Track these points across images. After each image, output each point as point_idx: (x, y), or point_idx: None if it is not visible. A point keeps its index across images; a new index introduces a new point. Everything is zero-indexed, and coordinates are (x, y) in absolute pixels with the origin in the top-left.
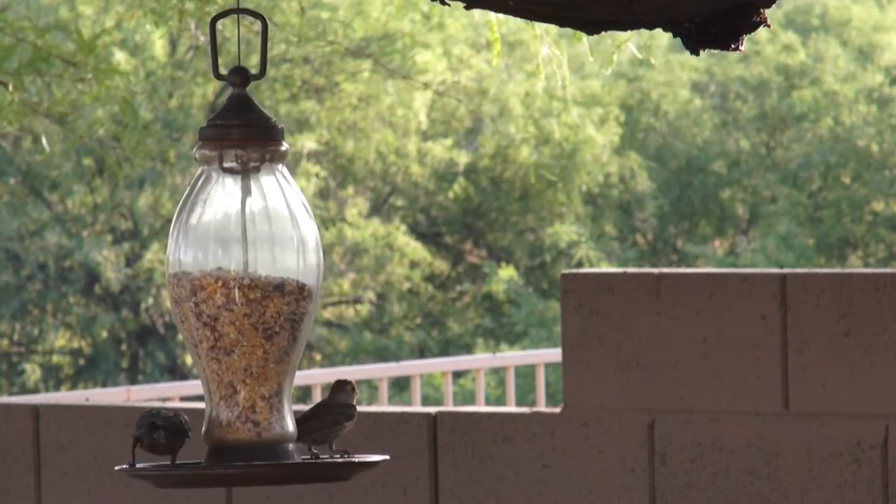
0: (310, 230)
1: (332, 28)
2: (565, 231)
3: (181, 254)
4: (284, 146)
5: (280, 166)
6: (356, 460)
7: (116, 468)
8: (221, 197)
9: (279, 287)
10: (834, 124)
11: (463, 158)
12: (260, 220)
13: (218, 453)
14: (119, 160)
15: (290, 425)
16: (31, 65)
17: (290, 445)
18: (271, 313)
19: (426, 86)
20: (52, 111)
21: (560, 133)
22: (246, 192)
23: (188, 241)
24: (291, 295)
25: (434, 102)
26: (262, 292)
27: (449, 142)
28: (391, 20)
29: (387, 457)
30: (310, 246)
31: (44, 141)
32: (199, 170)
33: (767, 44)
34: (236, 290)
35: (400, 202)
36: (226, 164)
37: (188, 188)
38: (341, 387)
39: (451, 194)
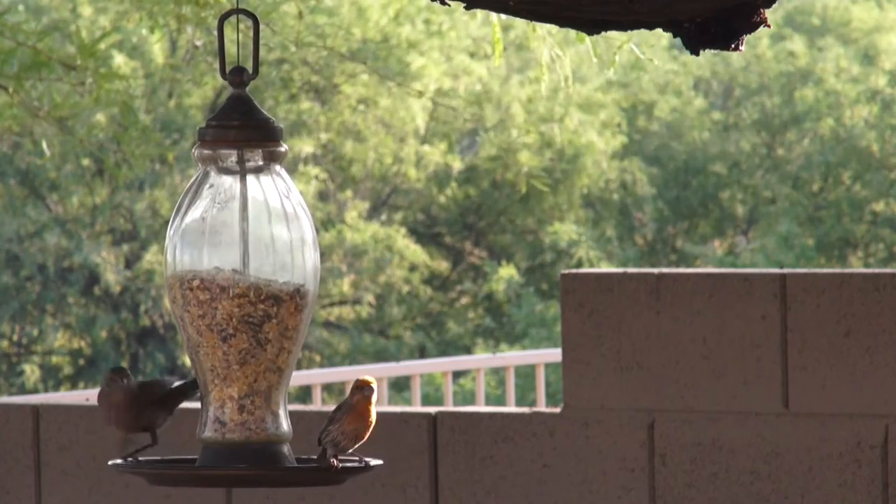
0: (294, 230)
1: (330, 32)
2: (565, 230)
3: (168, 253)
4: (282, 146)
5: (276, 166)
6: (348, 465)
7: (110, 463)
8: (211, 197)
9: (226, 289)
10: (835, 125)
11: (458, 163)
12: (245, 221)
13: (202, 452)
14: (119, 163)
15: (272, 427)
16: (31, 68)
17: (272, 447)
18: (222, 315)
19: (420, 94)
20: (53, 115)
21: (562, 138)
22: (235, 192)
23: (172, 240)
24: (243, 297)
25: (435, 106)
26: (210, 294)
27: (443, 146)
28: (389, 24)
29: (380, 462)
30: (286, 247)
31: (44, 146)
32: (197, 169)
33: (769, 45)
34: (188, 292)
35: (399, 202)
36: (221, 165)
37: (186, 187)
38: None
39: (443, 198)
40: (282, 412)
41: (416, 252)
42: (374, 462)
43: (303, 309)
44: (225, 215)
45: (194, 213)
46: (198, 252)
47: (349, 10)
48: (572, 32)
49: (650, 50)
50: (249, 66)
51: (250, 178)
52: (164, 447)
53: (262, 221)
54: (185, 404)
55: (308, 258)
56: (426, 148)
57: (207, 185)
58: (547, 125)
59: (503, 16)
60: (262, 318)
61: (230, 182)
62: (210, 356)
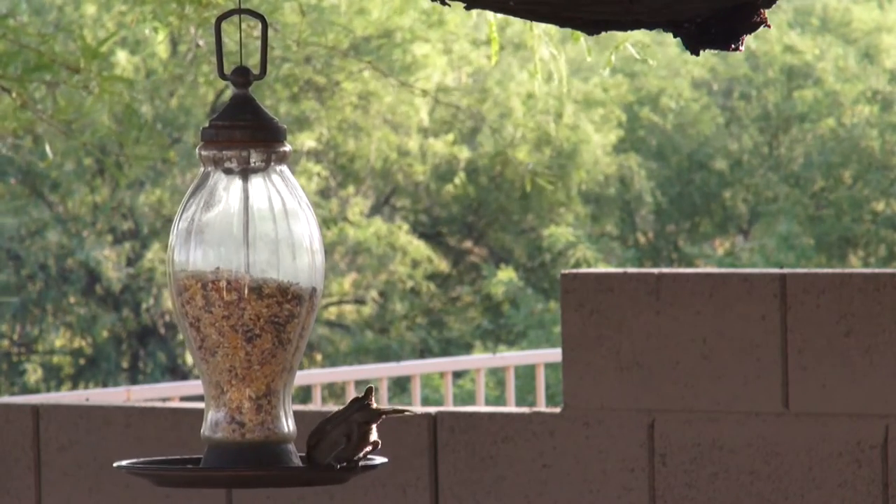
0: (304, 231)
1: (332, 29)
2: (562, 232)
3: (175, 253)
4: (286, 146)
5: (281, 167)
6: (351, 464)
7: (115, 464)
8: (216, 197)
9: (257, 290)
10: (836, 124)
11: (465, 154)
12: (249, 222)
13: (208, 452)
14: (120, 164)
15: (285, 427)
16: (34, 71)
17: (284, 447)
18: (249, 315)
19: (424, 92)
20: (56, 118)
21: (560, 134)
22: (240, 192)
23: (180, 240)
24: (272, 297)
25: (436, 103)
26: (238, 294)
27: (451, 137)
28: (392, 16)
29: (385, 460)
30: (301, 247)
31: (47, 148)
32: (201, 170)
33: (774, 43)
34: (213, 292)
35: (401, 202)
36: (226, 165)
37: (190, 187)
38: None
39: (451, 188)
40: (290, 411)
41: (418, 248)
42: (378, 460)
43: (315, 308)
44: (237, 216)
45: (203, 214)
46: (215, 252)
47: (349, 8)
48: (570, 31)
49: (648, 49)
50: (251, 66)
51: (256, 179)
52: (162, 447)
53: (275, 222)
54: (184, 404)
55: (318, 258)
56: (431, 140)
57: (215, 186)
58: (545, 120)
59: (499, 14)
60: (287, 318)
61: (237, 182)
62: (230, 357)
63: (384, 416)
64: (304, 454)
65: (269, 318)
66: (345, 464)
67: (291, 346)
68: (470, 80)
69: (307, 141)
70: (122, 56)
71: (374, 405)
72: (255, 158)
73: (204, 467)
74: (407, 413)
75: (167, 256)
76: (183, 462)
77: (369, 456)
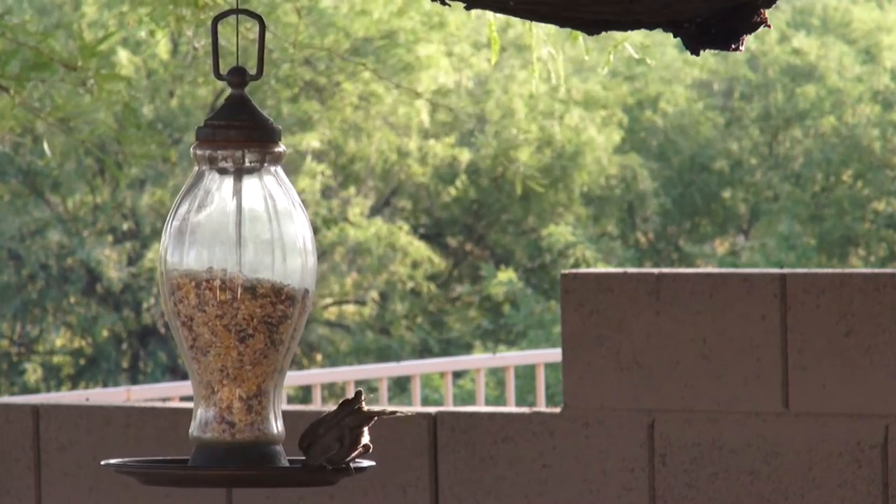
0: (297, 232)
1: (331, 30)
2: (561, 232)
3: (167, 252)
4: (281, 147)
5: (275, 168)
6: (342, 466)
7: (103, 462)
8: (209, 197)
9: (251, 290)
10: (837, 123)
11: (465, 156)
12: (242, 222)
13: (196, 452)
14: (119, 163)
15: (274, 428)
16: (32, 69)
17: (273, 448)
18: (243, 315)
19: (418, 94)
20: (54, 116)
21: (562, 135)
22: (234, 192)
23: (173, 239)
24: (265, 298)
25: (435, 107)
26: (232, 294)
27: (451, 139)
28: (392, 18)
29: (373, 463)
30: (294, 248)
31: (45, 146)
32: (195, 169)
33: (775, 44)
34: (207, 292)
35: (401, 203)
36: (221, 165)
37: (183, 187)
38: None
39: (452, 191)
40: (280, 412)
41: (419, 248)
42: (366, 463)
43: (307, 310)
44: (230, 216)
45: (197, 213)
46: (208, 252)
47: (350, 10)
48: (568, 31)
49: (647, 49)
50: (248, 66)
51: (250, 179)
52: (162, 447)
53: (269, 222)
54: (184, 404)
55: (311, 259)
56: (431, 142)
57: (209, 185)
58: (547, 121)
59: (499, 15)
60: (280, 318)
61: (231, 182)
62: (223, 356)
63: (376, 419)
64: (294, 456)
65: (262, 319)
66: (335, 466)
67: (283, 346)
68: (471, 82)
69: (312, 142)
70: (123, 56)
71: (365, 408)
72: (249, 159)
73: (192, 466)
74: (398, 414)
75: (159, 255)
76: (173, 462)
77: (358, 459)
